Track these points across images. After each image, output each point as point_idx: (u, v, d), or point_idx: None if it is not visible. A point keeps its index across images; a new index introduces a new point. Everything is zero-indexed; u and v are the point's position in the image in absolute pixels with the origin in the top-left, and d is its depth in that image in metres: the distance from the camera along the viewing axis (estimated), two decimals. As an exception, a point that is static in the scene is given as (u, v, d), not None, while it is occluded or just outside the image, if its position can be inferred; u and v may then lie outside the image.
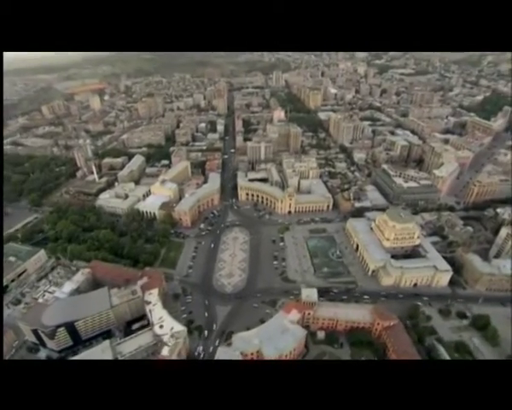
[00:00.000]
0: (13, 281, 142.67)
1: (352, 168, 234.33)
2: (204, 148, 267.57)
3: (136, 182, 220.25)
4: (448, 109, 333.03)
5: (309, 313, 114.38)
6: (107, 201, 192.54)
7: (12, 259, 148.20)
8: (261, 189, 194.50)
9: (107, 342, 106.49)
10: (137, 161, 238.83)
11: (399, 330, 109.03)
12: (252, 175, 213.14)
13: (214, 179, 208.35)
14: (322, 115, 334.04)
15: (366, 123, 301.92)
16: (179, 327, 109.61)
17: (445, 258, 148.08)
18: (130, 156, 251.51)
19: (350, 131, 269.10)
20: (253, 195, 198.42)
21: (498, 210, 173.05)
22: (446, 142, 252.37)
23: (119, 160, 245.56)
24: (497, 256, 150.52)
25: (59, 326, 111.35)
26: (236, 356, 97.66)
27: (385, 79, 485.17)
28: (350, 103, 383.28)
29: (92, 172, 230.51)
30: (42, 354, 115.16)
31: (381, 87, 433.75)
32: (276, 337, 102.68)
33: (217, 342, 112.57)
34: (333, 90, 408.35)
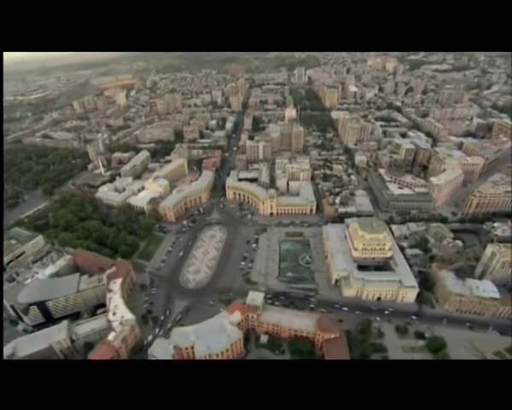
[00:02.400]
0: (11, 261, 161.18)
1: (350, 171, 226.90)
2: (206, 145, 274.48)
3: (139, 177, 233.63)
4: (476, 109, 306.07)
5: (252, 316, 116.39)
6: (106, 193, 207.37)
7: (13, 242, 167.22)
8: (246, 189, 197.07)
9: (65, 323, 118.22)
10: (142, 156, 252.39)
11: (339, 344, 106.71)
12: (243, 174, 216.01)
13: (206, 177, 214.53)
14: (334, 114, 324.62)
15: (378, 123, 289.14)
16: (129, 316, 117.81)
17: (421, 273, 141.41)
18: (139, 151, 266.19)
19: (355, 131, 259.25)
20: (239, 194, 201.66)
21: (495, 224, 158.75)
22: (460, 146, 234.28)
23: (127, 154, 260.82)
24: (482, 275, 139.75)
25: (31, 304, 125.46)
26: (170, 349, 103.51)
27: (415, 75, 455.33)
28: (369, 102, 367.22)
29: (102, 166, 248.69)
30: (20, 327, 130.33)
31: (408, 85, 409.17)
32: (210, 336, 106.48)
33: (160, 333, 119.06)
34: (353, 89, 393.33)
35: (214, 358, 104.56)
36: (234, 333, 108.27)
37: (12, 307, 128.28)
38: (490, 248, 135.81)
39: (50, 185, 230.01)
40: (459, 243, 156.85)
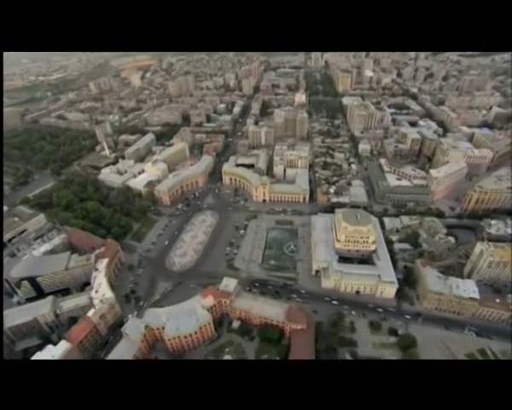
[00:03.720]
0: (14, 238, 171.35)
1: (352, 160, 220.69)
2: (209, 129, 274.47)
3: (142, 159, 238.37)
4: (497, 98, 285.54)
5: (225, 302, 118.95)
6: (108, 175, 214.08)
7: (16, 219, 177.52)
8: (241, 174, 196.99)
9: (50, 298, 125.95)
10: (147, 139, 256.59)
11: (306, 336, 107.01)
12: (241, 160, 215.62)
13: (204, 162, 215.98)
14: (345, 100, 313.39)
15: (389, 111, 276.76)
16: (110, 294, 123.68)
17: (406, 268, 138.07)
18: (146, 134, 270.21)
19: (362, 119, 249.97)
20: (235, 180, 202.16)
21: (492, 222, 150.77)
22: (472, 137, 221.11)
23: (134, 137, 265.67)
24: (470, 274, 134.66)
25: (23, 279, 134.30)
26: (141, 328, 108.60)
27: (438, 60, 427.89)
28: (384, 88, 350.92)
29: (109, 148, 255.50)
30: (14, 300, 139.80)
31: (429, 70, 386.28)
32: (181, 318, 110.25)
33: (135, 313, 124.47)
34: (369, 73, 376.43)
35: (183, 339, 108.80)
36: (204, 317, 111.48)
37: (6, 280, 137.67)
38: (479, 247, 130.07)
39: (58, 166, 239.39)
40: (451, 239, 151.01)
